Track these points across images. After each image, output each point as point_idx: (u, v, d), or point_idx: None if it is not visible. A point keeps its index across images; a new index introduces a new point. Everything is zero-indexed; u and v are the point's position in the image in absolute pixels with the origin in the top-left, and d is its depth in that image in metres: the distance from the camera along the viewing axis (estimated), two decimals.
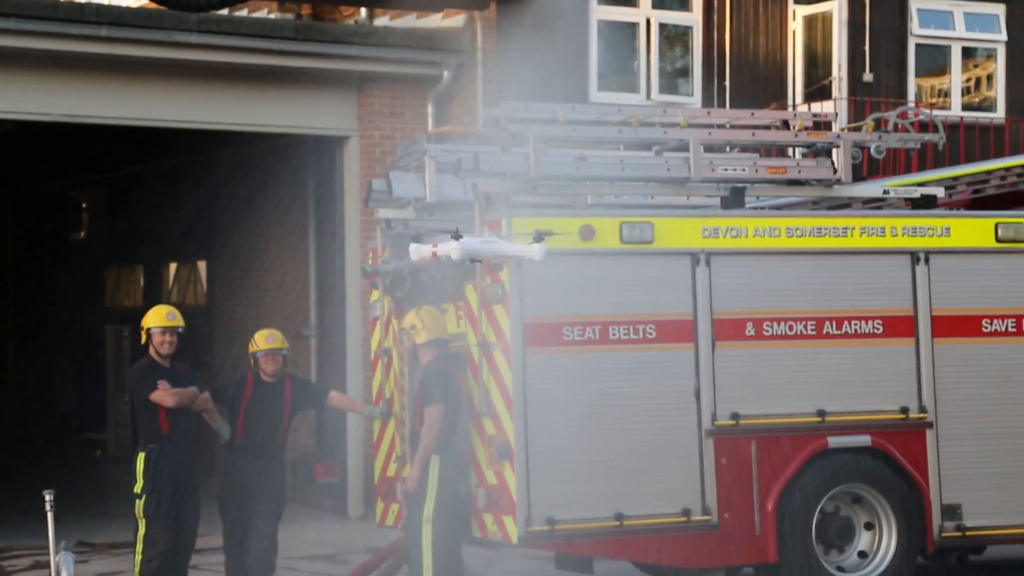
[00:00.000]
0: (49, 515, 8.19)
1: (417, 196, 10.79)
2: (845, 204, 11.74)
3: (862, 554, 10.83)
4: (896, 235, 10.99)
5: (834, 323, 10.83)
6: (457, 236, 9.32)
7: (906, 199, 11.60)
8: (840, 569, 10.75)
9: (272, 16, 17.97)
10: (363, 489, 16.23)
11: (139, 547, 10.65)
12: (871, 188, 11.69)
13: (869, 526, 10.87)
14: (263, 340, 11.19)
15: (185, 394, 10.81)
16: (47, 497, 8.21)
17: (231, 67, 15.84)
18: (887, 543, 10.80)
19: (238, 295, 19.82)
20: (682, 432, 10.42)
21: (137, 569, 10.67)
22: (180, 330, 10.89)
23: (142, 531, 10.65)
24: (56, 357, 25.61)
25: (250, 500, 10.98)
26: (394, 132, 16.48)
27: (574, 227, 10.22)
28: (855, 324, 10.86)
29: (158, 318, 10.88)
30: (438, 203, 10.74)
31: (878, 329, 10.89)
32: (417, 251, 9.76)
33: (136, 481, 10.70)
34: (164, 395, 10.71)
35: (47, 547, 8.17)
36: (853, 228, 10.91)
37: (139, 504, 10.66)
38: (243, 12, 18.13)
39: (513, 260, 10.06)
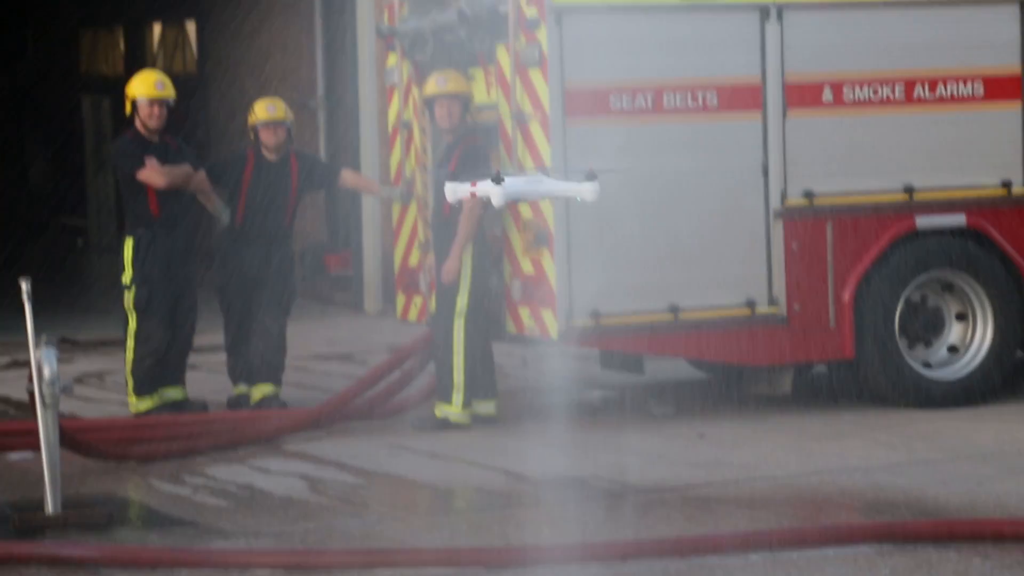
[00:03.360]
0: (27, 306, 8.26)
1: None
2: None
3: (952, 348, 10.91)
4: None
5: (926, 85, 10.71)
6: (498, 179, 9.35)
7: None
8: (926, 365, 10.84)
9: None
10: (381, 281, 16.39)
11: (130, 344, 10.83)
12: None
13: (961, 317, 10.93)
14: (263, 110, 11.18)
15: (177, 173, 10.85)
16: (23, 286, 8.26)
17: None
18: (981, 336, 10.86)
19: (233, 61, 19.73)
20: (747, 213, 10.42)
21: (129, 368, 10.87)
22: (170, 101, 10.88)
23: (133, 326, 10.82)
24: (27, 130, 25.70)
25: (254, 293, 11.11)
26: None
27: None
28: (951, 86, 10.75)
29: (146, 87, 10.85)
30: None
31: (978, 92, 10.77)
32: (454, 192, 9.77)
33: (124, 271, 10.83)
34: (153, 174, 10.76)
35: (26, 343, 8.29)
36: None
37: (128, 296, 10.81)
38: None
39: (552, 15, 9.96)
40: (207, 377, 12.32)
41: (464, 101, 10.44)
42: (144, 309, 10.75)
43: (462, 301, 10.28)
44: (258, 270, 11.10)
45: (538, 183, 9.61)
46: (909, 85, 10.69)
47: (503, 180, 9.35)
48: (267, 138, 11.11)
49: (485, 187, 9.44)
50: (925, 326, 10.83)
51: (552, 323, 10.07)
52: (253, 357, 11.06)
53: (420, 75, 11.07)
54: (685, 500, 8.44)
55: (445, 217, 10.38)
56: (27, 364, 8.37)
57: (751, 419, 10.48)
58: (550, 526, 8.19)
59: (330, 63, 17.78)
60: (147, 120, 10.82)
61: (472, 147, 10.37)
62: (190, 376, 11.24)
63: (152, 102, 10.79)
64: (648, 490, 8.68)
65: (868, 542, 7.37)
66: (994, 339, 10.80)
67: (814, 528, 7.67)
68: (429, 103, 10.55)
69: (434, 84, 10.50)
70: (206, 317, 11.48)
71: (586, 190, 9.42)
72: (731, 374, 11.16)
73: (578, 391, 11.63)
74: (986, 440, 9.76)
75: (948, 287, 10.89)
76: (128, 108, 10.92)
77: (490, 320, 10.43)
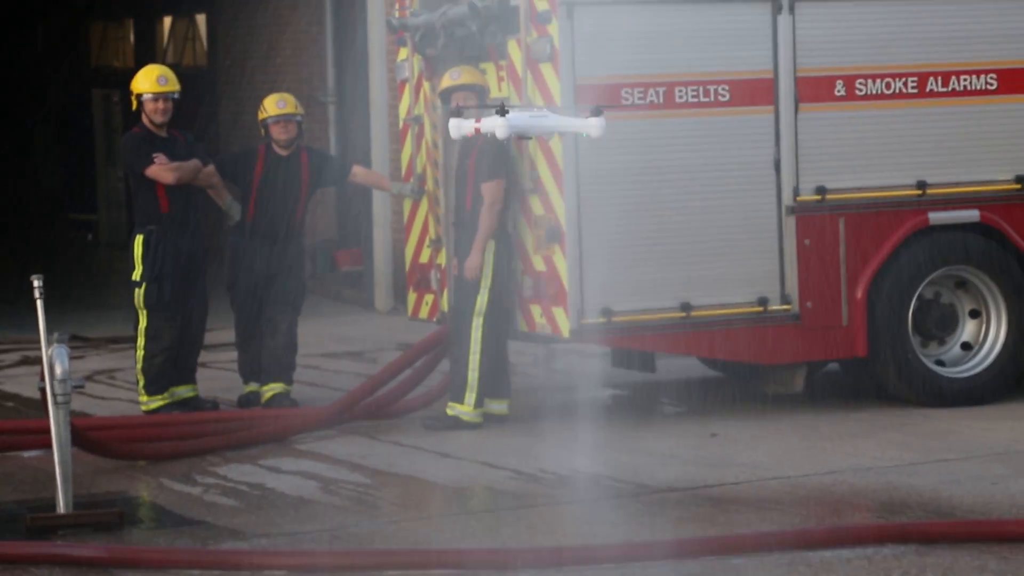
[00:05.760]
0: (39, 303, 8.26)
1: None
2: None
3: (966, 346, 10.90)
4: None
5: (939, 79, 10.70)
6: (503, 111, 9.34)
7: None
8: (940, 363, 10.82)
9: None
10: (392, 278, 16.38)
11: (140, 342, 10.85)
12: None
13: (975, 314, 10.92)
14: (273, 105, 11.19)
15: (186, 168, 10.86)
16: (35, 283, 8.27)
17: None
18: (995, 333, 10.85)
19: (244, 55, 19.73)
20: (759, 209, 10.43)
21: (139, 366, 10.89)
22: (175, 95, 10.90)
23: (143, 324, 10.84)
24: (37, 126, 25.72)
25: (264, 290, 11.13)
26: None
27: None
28: (964, 80, 10.73)
29: (148, 82, 10.87)
30: None
31: (991, 85, 10.77)
32: (458, 128, 9.76)
33: (134, 268, 10.85)
34: (162, 170, 10.77)
35: (37, 340, 8.30)
36: None
37: (139, 293, 10.83)
38: None
39: (563, 9, 9.98)
40: (218, 375, 12.34)
41: (480, 92, 10.44)
42: (154, 306, 10.77)
43: (482, 300, 10.26)
44: (268, 267, 11.12)
45: (543, 118, 9.59)
46: (922, 79, 10.69)
47: (508, 113, 9.33)
48: (278, 133, 11.13)
49: (490, 121, 9.42)
50: (938, 323, 10.81)
51: (564, 321, 10.08)
52: (263, 355, 11.08)
53: (431, 69, 11.08)
54: (698, 500, 8.44)
55: (467, 212, 10.37)
56: (38, 361, 8.39)
57: (764, 418, 10.48)
58: (562, 527, 8.20)
59: (340, 57, 17.78)
60: (152, 115, 10.85)
61: (492, 139, 10.35)
62: (201, 374, 11.26)
63: (156, 97, 10.82)
64: (661, 490, 8.69)
65: (882, 543, 7.37)
66: (1008, 336, 10.79)
67: (827, 529, 7.66)
68: (445, 96, 10.54)
69: (448, 77, 10.51)
70: (216, 314, 11.50)
71: (592, 125, 9.40)
72: (743, 372, 11.16)
73: (590, 390, 11.63)
74: (1000, 439, 9.75)
75: (962, 284, 10.88)
76: (134, 104, 10.95)
77: (506, 319, 10.42)
